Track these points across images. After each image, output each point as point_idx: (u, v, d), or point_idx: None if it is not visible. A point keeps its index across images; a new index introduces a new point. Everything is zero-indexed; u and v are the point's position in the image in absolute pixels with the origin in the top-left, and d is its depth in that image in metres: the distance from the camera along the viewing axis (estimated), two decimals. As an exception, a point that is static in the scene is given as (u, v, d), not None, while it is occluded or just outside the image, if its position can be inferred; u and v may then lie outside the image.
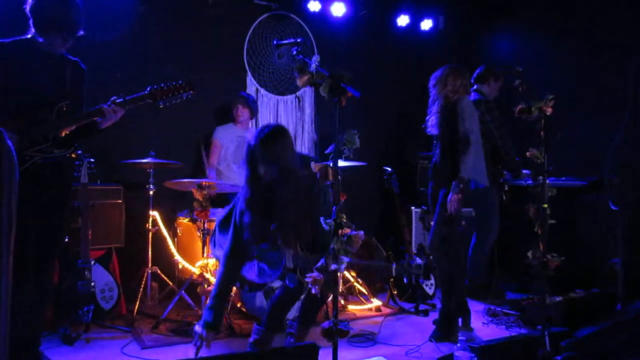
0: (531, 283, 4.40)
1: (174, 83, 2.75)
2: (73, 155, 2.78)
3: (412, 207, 5.09)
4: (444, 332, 3.46)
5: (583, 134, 4.60)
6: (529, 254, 3.05)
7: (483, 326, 3.77)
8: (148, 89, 2.74)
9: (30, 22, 2.61)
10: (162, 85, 2.74)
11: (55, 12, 2.59)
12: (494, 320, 3.87)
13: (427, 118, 3.59)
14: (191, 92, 2.76)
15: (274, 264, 2.76)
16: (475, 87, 4.45)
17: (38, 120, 2.58)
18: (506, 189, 4.44)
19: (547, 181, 3.14)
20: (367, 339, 3.53)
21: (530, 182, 3.42)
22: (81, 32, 2.69)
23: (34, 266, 2.68)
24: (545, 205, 2.93)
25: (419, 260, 4.38)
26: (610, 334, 2.89)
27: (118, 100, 2.70)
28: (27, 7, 2.60)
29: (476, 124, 3.42)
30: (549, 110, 2.96)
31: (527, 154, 3.08)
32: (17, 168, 1.56)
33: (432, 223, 4.25)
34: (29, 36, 2.64)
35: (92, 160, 3.61)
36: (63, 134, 2.68)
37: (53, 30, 2.61)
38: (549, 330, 3.10)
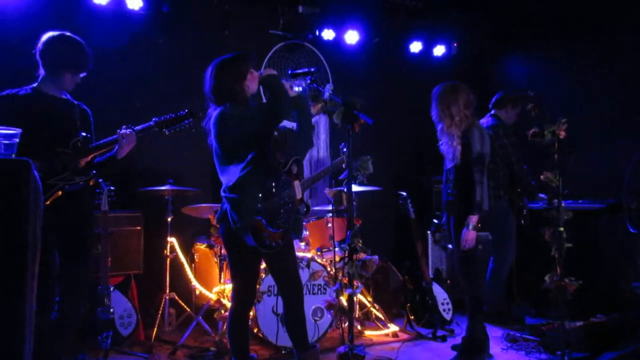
0: (550, 308, 4.33)
1: (176, 114, 2.95)
2: (92, 183, 2.87)
3: (428, 232, 5.08)
4: (464, 358, 3.41)
5: (601, 157, 4.57)
6: (547, 277, 3.03)
7: (502, 352, 3.71)
8: (153, 121, 2.93)
9: (40, 64, 2.80)
10: (166, 116, 2.95)
11: (63, 54, 2.79)
12: (513, 346, 3.81)
13: (442, 151, 3.45)
14: (192, 120, 2.96)
15: (286, 203, 2.82)
16: (492, 111, 4.47)
17: (56, 153, 2.72)
18: (525, 212, 4.40)
19: (564, 204, 3.14)
20: (385, 365, 3.51)
21: (541, 204, 3.37)
22: (84, 73, 2.89)
23: (60, 295, 2.74)
24: (561, 229, 2.93)
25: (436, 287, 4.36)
26: (633, 359, 2.84)
27: (127, 130, 2.83)
28: (37, 52, 2.80)
29: (488, 149, 3.39)
30: (562, 134, 2.98)
31: (542, 177, 3.08)
32: (42, 198, 1.62)
33: (450, 246, 4.22)
34: (35, 85, 2.83)
35: (112, 188, 3.69)
36: (82, 165, 2.80)
37: (62, 70, 2.81)
38: (570, 356, 3.07)
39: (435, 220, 4.85)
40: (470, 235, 3.27)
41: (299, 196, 2.87)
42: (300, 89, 2.80)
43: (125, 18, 4.58)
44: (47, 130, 2.73)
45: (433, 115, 3.50)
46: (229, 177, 2.75)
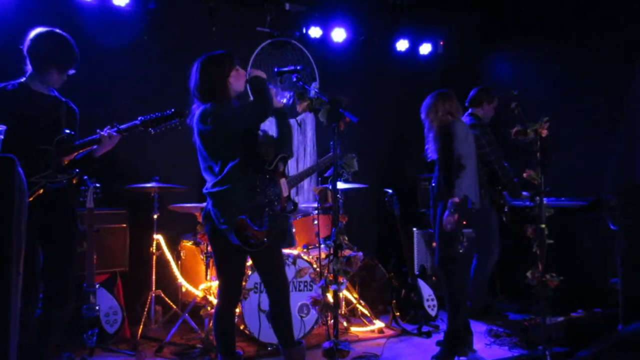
0: (533, 304, 4.40)
1: (163, 113, 2.91)
2: (75, 181, 2.86)
3: (414, 229, 5.13)
4: (448, 353, 3.46)
5: (583, 154, 4.65)
6: (528, 274, 3.09)
7: (486, 347, 3.76)
8: (139, 119, 2.90)
9: (28, 60, 2.78)
10: (152, 115, 2.91)
11: (51, 50, 2.77)
12: (496, 341, 3.87)
13: (426, 147, 3.61)
14: (178, 120, 2.91)
15: (272, 202, 2.82)
16: (470, 110, 4.51)
17: (39, 150, 2.70)
18: (505, 209, 4.46)
19: (547, 201, 3.20)
20: (370, 360, 3.54)
21: (528, 203, 3.44)
22: (73, 71, 2.87)
23: (44, 292, 2.73)
24: (543, 226, 2.98)
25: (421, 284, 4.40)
26: (611, 353, 2.90)
27: (112, 130, 2.81)
28: (25, 48, 2.77)
29: (470, 148, 3.43)
30: (544, 132, 3.03)
31: (524, 175, 3.14)
32: (27, 195, 1.62)
33: (434, 244, 4.27)
34: (23, 80, 2.80)
35: (98, 185, 3.67)
36: (65, 162, 2.79)
37: (50, 66, 2.79)
38: (551, 351, 3.12)
39: (430, 230, 4.90)
40: (452, 217, 3.30)
41: (285, 194, 2.88)
42: (285, 100, 2.82)
43: (111, 14, 4.55)
44: (31, 126, 2.71)
45: (422, 114, 3.61)
46: (212, 175, 2.76)
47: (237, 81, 2.81)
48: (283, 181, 2.88)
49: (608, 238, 3.80)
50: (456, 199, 3.30)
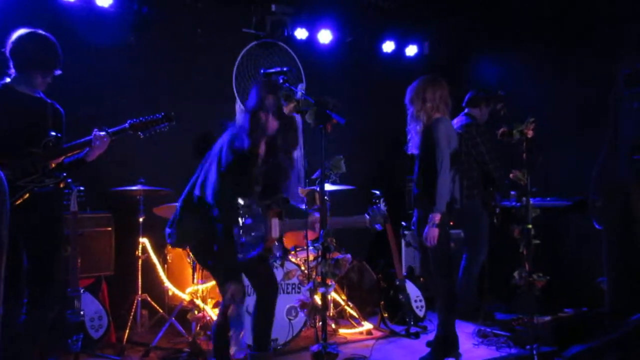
0: (520, 303, 4.42)
1: (152, 117, 2.85)
2: (62, 185, 2.82)
3: (402, 230, 5.13)
4: (438, 355, 3.45)
5: (569, 155, 4.69)
6: (515, 274, 3.10)
7: (474, 347, 3.78)
8: (128, 123, 2.84)
9: (11, 63, 2.72)
10: (142, 119, 2.84)
11: (34, 52, 2.71)
12: (484, 341, 3.88)
13: (408, 137, 3.49)
14: (168, 123, 2.86)
15: (257, 238, 2.74)
16: (466, 110, 4.53)
17: (27, 153, 2.65)
18: (497, 211, 4.48)
19: (533, 202, 3.22)
20: (359, 363, 3.53)
21: (514, 203, 3.45)
22: (59, 71, 2.81)
23: (29, 297, 2.68)
24: (529, 226, 3.00)
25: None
26: (598, 352, 2.92)
27: (101, 133, 2.76)
28: (7, 50, 2.71)
29: (453, 148, 3.33)
30: (530, 133, 3.05)
31: (511, 175, 3.15)
32: (7, 197, 1.59)
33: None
34: (7, 80, 2.74)
35: (82, 188, 3.61)
36: (52, 166, 2.74)
37: (33, 69, 2.73)
38: (538, 350, 3.14)
39: (404, 223, 4.91)
40: (432, 232, 3.23)
41: (274, 235, 2.78)
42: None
43: (96, 15, 4.50)
44: (17, 128, 2.67)
45: (406, 97, 3.49)
46: (205, 188, 2.76)
47: (272, 123, 2.75)
48: (275, 221, 2.77)
49: (594, 238, 3.84)
50: (437, 215, 3.20)
